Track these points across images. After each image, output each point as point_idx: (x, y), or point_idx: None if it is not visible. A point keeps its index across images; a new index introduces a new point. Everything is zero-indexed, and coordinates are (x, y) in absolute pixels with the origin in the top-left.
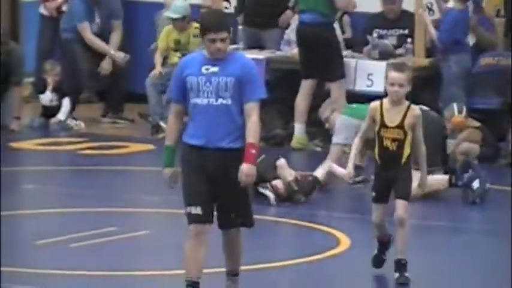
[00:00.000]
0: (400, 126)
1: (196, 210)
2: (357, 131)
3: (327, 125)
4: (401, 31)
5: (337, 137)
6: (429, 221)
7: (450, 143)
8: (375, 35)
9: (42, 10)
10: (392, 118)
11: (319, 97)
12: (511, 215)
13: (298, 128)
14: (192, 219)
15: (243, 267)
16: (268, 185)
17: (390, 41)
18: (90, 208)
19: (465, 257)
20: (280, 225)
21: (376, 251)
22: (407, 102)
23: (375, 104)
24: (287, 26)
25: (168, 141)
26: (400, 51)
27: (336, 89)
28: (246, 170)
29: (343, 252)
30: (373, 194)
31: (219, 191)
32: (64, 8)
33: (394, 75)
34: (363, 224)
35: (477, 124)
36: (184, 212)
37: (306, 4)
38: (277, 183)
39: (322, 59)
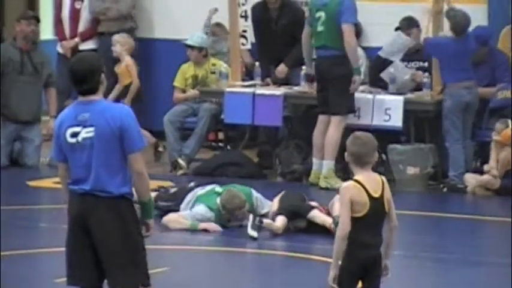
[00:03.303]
0: None
1: None
2: None
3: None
4: (420, 63)
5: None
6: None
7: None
8: (391, 69)
9: (59, 49)
10: None
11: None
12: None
13: (316, 164)
14: None
15: None
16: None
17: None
18: None
19: None
20: (304, 261)
21: None
22: None
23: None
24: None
25: None
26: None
27: (335, 124)
28: None
29: None
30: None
31: None
32: (81, 47)
33: None
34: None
35: None
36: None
37: (320, 41)
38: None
39: (333, 92)
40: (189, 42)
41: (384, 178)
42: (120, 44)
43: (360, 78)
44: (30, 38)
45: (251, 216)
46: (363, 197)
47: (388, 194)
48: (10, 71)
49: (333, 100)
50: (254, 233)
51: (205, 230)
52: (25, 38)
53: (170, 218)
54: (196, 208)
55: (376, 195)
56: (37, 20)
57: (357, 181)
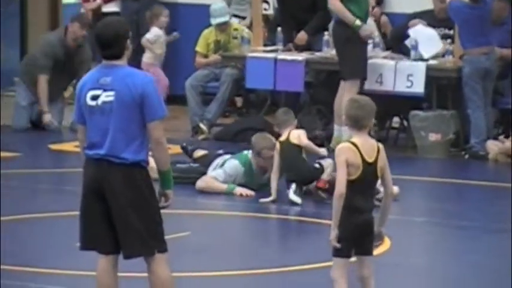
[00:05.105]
0: None
1: None
2: None
3: None
4: (446, 30)
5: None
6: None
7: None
8: (412, 35)
9: (83, 11)
10: None
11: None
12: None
13: (337, 130)
14: None
15: (277, 269)
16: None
17: None
18: None
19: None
20: (319, 226)
21: None
22: None
23: None
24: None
25: None
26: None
27: (346, 90)
28: None
29: (382, 253)
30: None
31: None
32: (104, 9)
33: None
34: (404, 225)
35: None
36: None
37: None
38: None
39: (339, 57)
40: (220, 20)
41: (380, 145)
42: None
43: (363, 30)
44: (80, 41)
45: (294, 184)
46: (357, 160)
47: (382, 161)
48: (52, 67)
49: (341, 65)
50: (298, 199)
51: (241, 195)
52: (75, 40)
53: (205, 181)
54: (228, 163)
55: (370, 160)
56: (90, 26)
57: (352, 143)
